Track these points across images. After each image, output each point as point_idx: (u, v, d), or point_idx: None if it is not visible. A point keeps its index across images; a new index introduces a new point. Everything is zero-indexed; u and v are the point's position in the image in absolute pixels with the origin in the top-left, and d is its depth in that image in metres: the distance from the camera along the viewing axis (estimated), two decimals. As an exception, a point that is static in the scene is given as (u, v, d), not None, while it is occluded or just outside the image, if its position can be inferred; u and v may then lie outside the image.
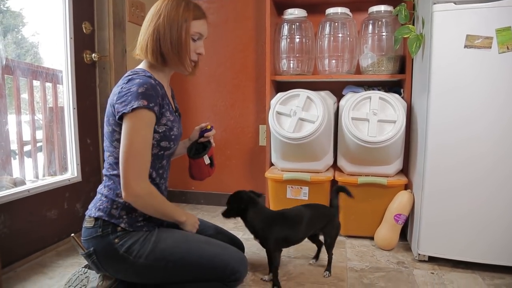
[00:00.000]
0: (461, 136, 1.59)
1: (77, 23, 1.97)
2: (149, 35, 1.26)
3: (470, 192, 1.61)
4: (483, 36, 1.53)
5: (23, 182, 1.78)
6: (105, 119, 1.26)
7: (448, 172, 1.63)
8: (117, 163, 1.23)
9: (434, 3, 1.59)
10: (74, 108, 1.97)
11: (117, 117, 1.18)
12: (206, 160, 1.46)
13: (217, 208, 2.61)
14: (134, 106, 1.14)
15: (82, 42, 2.01)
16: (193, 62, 1.35)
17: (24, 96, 1.86)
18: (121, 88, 1.21)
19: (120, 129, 1.19)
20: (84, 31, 2.02)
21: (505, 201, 1.57)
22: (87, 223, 1.26)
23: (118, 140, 1.21)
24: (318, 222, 1.60)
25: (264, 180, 2.19)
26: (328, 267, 1.63)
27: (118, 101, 1.18)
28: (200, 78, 2.57)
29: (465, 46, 1.56)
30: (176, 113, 1.40)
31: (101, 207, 1.25)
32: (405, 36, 1.82)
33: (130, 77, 1.23)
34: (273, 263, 1.51)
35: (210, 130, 1.48)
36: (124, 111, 1.16)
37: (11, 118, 1.76)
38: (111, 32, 2.09)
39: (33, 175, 1.89)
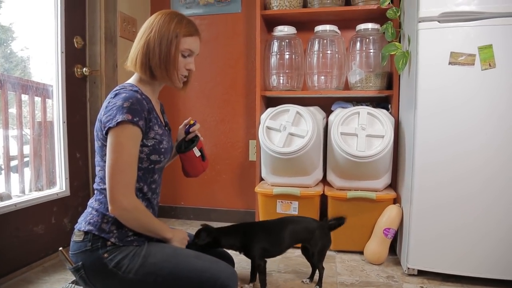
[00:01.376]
0: (448, 154, 1.63)
1: (69, 38, 1.98)
2: (139, 48, 1.28)
3: (459, 208, 1.63)
4: (466, 53, 1.59)
5: (9, 197, 1.76)
6: (95, 133, 1.26)
7: (436, 188, 1.65)
8: None
9: (419, 22, 1.64)
10: (64, 122, 1.96)
11: (104, 131, 1.19)
12: (197, 152, 1.45)
13: (207, 223, 2.58)
14: (119, 120, 1.14)
15: (74, 56, 2.02)
16: (183, 78, 1.36)
17: (12, 110, 1.84)
18: (108, 102, 1.22)
19: None
20: (76, 45, 2.03)
21: (494, 216, 1.59)
22: (76, 237, 1.24)
23: None
24: (302, 234, 1.59)
25: (254, 194, 2.19)
26: (319, 283, 1.62)
27: (104, 116, 1.19)
28: (190, 93, 2.59)
29: (450, 63, 1.61)
30: (166, 128, 1.40)
31: (91, 221, 1.24)
32: (392, 53, 1.87)
33: (117, 91, 1.24)
34: (259, 272, 1.52)
35: (194, 125, 1.48)
36: (109, 125, 1.16)
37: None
38: (103, 47, 2.10)
39: (19, 189, 1.86)
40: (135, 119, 1.16)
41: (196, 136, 1.50)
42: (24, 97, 1.90)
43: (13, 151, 1.83)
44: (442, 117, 1.63)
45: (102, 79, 2.11)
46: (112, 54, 2.17)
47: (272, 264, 1.89)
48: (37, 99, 1.97)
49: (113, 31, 2.18)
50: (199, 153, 1.43)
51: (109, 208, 1.16)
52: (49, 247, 1.88)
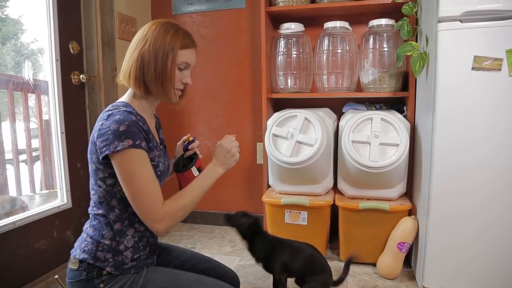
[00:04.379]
0: (469, 160, 1.51)
1: (64, 44, 1.88)
2: (133, 61, 1.18)
3: (478, 218, 1.51)
4: (492, 57, 1.43)
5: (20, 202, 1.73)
6: (88, 156, 1.18)
7: (455, 197, 1.54)
8: (101, 202, 1.16)
9: (439, 21, 1.49)
10: (62, 133, 1.89)
11: (100, 157, 1.10)
12: (195, 172, 1.36)
13: (214, 227, 2.53)
14: (119, 148, 1.06)
15: (70, 63, 1.93)
16: (179, 92, 1.27)
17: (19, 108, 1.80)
18: (101, 124, 1.12)
19: (104, 168, 1.12)
20: (72, 51, 1.93)
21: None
22: (72, 265, 1.18)
23: (102, 179, 1.14)
24: (317, 267, 1.48)
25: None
26: None
27: (99, 139, 1.10)
28: (195, 93, 2.48)
29: (473, 68, 1.46)
30: (161, 146, 1.32)
31: (86, 248, 1.17)
32: (408, 54, 1.71)
33: (110, 112, 1.15)
34: (281, 284, 1.46)
35: (193, 141, 1.40)
36: (107, 152, 1.08)
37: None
38: (100, 51, 2.00)
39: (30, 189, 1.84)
40: (136, 143, 1.08)
41: (195, 153, 1.41)
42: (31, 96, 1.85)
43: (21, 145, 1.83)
44: (462, 123, 1.50)
45: (101, 85, 2.02)
46: (111, 58, 2.07)
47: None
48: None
49: (111, 33, 2.07)
50: (198, 173, 1.34)
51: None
52: (52, 262, 1.84)
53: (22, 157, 1.89)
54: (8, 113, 1.77)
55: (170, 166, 1.43)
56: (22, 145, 1.88)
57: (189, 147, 1.39)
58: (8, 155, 1.79)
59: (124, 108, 1.16)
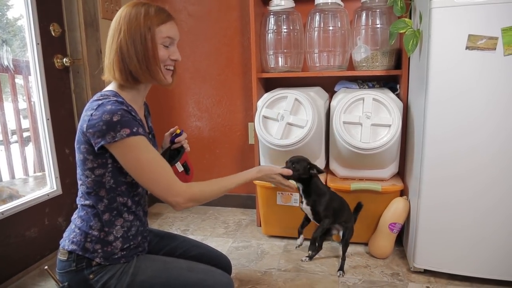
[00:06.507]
0: (461, 145, 1.47)
1: (44, 26, 1.81)
2: (113, 55, 1.13)
3: (471, 203, 1.50)
4: (487, 36, 1.38)
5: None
6: (76, 145, 1.15)
7: (447, 183, 1.52)
8: (89, 193, 1.14)
9: (432, -2, 1.42)
10: (48, 119, 1.84)
11: (96, 148, 1.07)
12: (179, 167, 1.34)
13: (208, 208, 2.54)
14: (117, 139, 1.03)
15: (52, 46, 1.86)
16: (170, 71, 1.21)
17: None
18: (91, 115, 1.08)
19: (93, 157, 1.10)
20: (53, 33, 1.86)
21: (506, 214, 1.47)
22: (61, 255, 1.18)
23: (91, 169, 1.11)
24: (349, 214, 1.73)
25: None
26: (342, 266, 1.71)
27: (90, 130, 1.06)
28: (184, 74, 2.42)
29: (467, 48, 1.41)
30: (150, 135, 1.28)
31: (74, 239, 1.17)
32: (401, 32, 1.65)
33: (100, 102, 1.10)
34: (322, 225, 1.59)
35: (180, 134, 1.36)
36: (102, 142, 1.05)
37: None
38: (83, 32, 1.93)
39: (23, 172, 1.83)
40: (134, 130, 1.05)
41: (182, 147, 1.38)
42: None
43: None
44: (455, 105, 1.45)
45: (86, 68, 1.96)
46: (95, 39, 2.00)
47: (272, 260, 1.83)
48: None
49: (94, 14, 1.99)
50: (182, 168, 1.31)
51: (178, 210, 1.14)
52: (44, 249, 1.85)
53: (13, 138, 1.87)
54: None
55: None
56: (12, 126, 1.86)
57: (176, 140, 1.36)
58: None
59: (115, 98, 1.11)
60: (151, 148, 1.10)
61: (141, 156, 1.08)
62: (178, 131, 1.35)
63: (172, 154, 1.36)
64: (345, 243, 1.70)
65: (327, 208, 1.58)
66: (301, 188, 1.57)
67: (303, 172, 1.50)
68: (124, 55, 1.12)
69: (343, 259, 1.71)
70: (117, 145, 1.05)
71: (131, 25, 1.11)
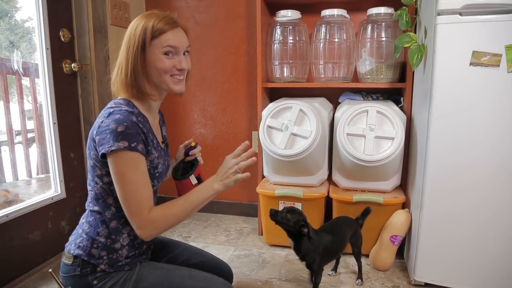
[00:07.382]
0: (463, 159, 1.48)
1: (54, 32, 1.84)
2: (117, 72, 1.16)
3: (471, 217, 1.51)
4: (491, 53, 1.39)
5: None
6: (87, 151, 1.17)
7: (448, 196, 1.53)
8: (97, 199, 1.16)
9: (438, 14, 1.44)
10: (55, 123, 1.87)
11: (99, 154, 1.09)
12: (193, 180, 1.35)
13: (209, 215, 2.54)
14: (113, 148, 1.04)
15: (61, 51, 1.88)
16: (178, 80, 1.20)
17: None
18: (101, 122, 1.10)
19: (101, 165, 1.11)
20: (62, 39, 1.89)
21: (507, 228, 1.47)
22: (66, 259, 1.19)
23: (99, 177, 1.13)
24: (349, 232, 1.65)
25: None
26: (360, 275, 1.71)
27: (97, 137, 1.08)
28: (190, 81, 2.39)
29: (471, 64, 1.42)
30: (163, 144, 1.29)
31: (80, 244, 1.17)
32: (406, 46, 1.67)
33: (112, 110, 1.11)
34: (316, 281, 1.53)
35: (195, 147, 1.37)
36: (103, 151, 1.06)
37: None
38: (92, 38, 1.95)
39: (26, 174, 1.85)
40: (132, 145, 1.06)
41: (196, 160, 1.38)
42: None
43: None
44: (458, 119, 1.47)
45: (93, 74, 1.98)
46: (103, 45, 2.02)
47: (274, 269, 1.84)
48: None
49: (103, 20, 2.01)
50: (196, 181, 1.32)
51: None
52: (47, 252, 1.86)
53: (17, 139, 1.89)
54: (2, 95, 1.76)
55: (171, 166, 1.41)
56: (17, 127, 1.88)
57: (190, 153, 1.36)
58: (3, 137, 1.77)
59: (126, 108, 1.12)
60: (140, 168, 1.09)
61: (126, 173, 1.07)
62: (193, 144, 1.35)
63: (186, 167, 1.37)
64: (357, 252, 1.69)
65: (320, 263, 1.51)
66: (292, 245, 1.50)
67: (293, 226, 1.43)
68: (125, 71, 1.13)
69: (360, 269, 1.71)
70: (112, 154, 1.05)
71: (132, 40, 1.12)
